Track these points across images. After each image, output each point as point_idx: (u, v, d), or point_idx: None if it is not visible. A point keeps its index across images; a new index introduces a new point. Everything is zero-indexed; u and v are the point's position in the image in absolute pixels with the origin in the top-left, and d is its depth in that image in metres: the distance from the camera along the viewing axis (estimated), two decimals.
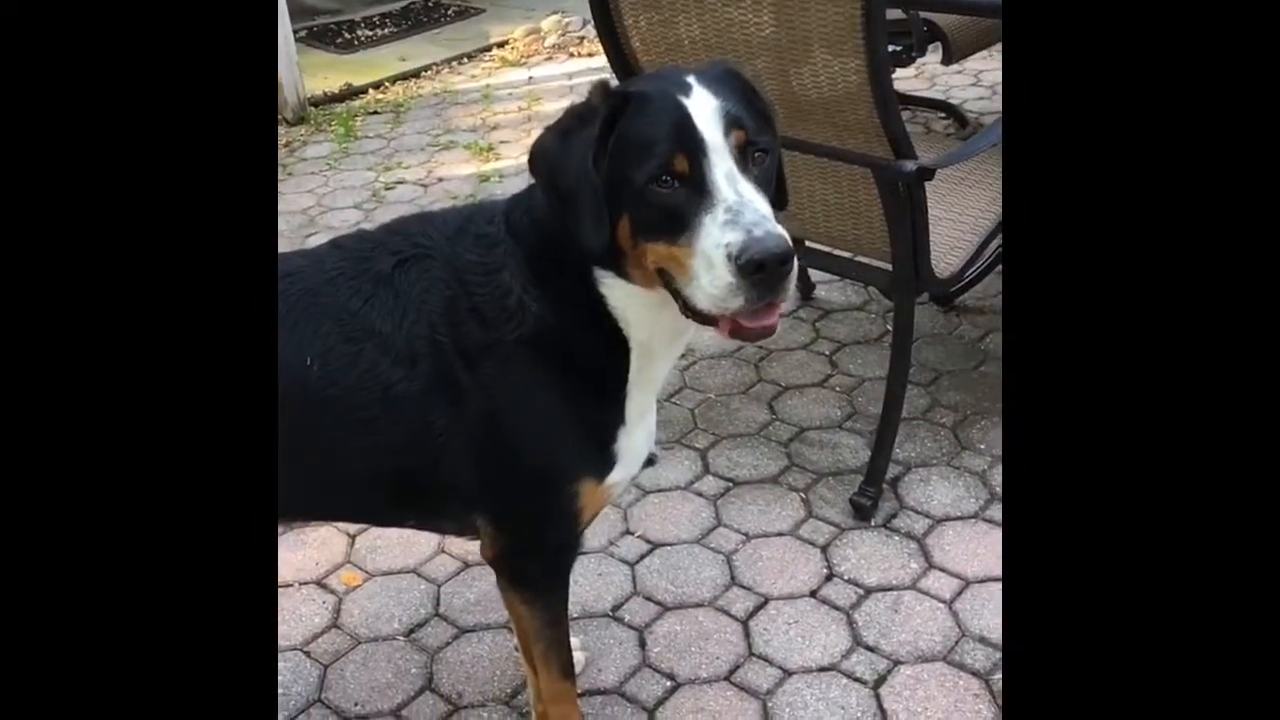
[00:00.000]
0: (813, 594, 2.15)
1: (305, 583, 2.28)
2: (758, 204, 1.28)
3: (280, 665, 2.07)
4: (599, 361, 1.50)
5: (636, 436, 1.58)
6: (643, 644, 2.06)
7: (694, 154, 1.29)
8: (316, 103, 5.43)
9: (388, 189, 4.40)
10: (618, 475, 1.58)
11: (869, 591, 2.15)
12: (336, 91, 5.57)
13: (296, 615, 2.19)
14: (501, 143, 4.76)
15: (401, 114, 5.30)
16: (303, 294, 1.50)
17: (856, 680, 1.94)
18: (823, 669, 1.97)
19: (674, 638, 2.07)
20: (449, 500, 1.59)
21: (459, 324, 1.46)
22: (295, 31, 5.48)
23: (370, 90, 5.61)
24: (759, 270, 1.24)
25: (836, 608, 2.11)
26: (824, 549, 2.27)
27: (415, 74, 5.81)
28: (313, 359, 1.46)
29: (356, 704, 1.97)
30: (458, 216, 1.56)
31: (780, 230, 1.26)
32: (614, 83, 1.46)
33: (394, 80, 5.72)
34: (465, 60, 6.06)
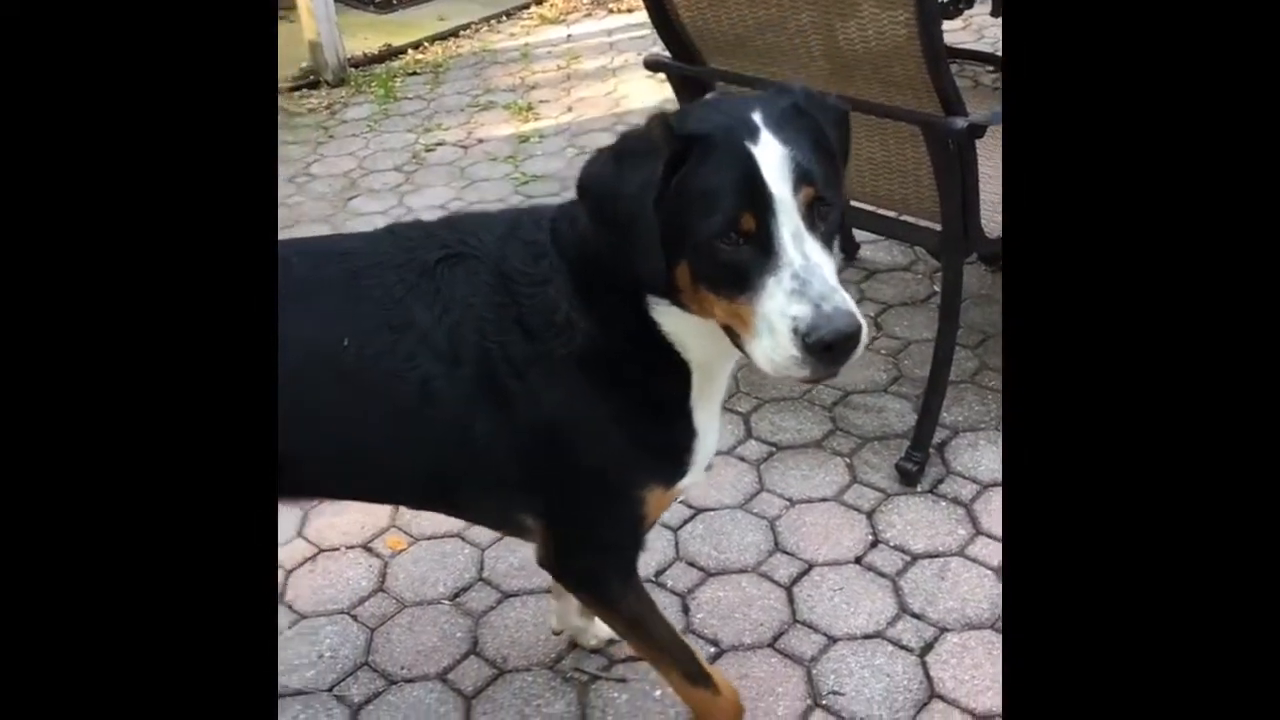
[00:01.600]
0: (858, 560, 2.13)
1: (351, 547, 2.30)
2: (825, 270, 1.23)
3: (328, 629, 2.09)
4: (656, 380, 1.46)
5: (707, 442, 1.54)
6: (686, 610, 2.06)
7: (762, 212, 1.23)
8: (356, 64, 5.41)
9: (428, 150, 4.38)
10: (687, 481, 1.55)
11: (915, 558, 2.13)
12: (376, 52, 5.55)
13: (343, 579, 2.21)
14: (541, 102, 4.71)
15: (441, 74, 5.27)
16: (349, 274, 1.47)
17: (903, 648, 1.93)
18: (868, 636, 1.96)
19: (717, 604, 2.06)
20: (483, 499, 1.58)
21: (506, 331, 1.42)
22: None
23: (409, 50, 5.59)
24: (827, 350, 1.20)
25: (882, 574, 2.09)
26: (869, 515, 2.24)
27: (454, 33, 5.77)
28: (350, 340, 1.44)
29: (403, 667, 1.99)
30: (507, 220, 1.51)
31: (850, 305, 1.21)
32: (670, 108, 1.45)
33: (433, 40, 5.69)
34: (504, 18, 6.01)
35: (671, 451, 1.50)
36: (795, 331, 1.20)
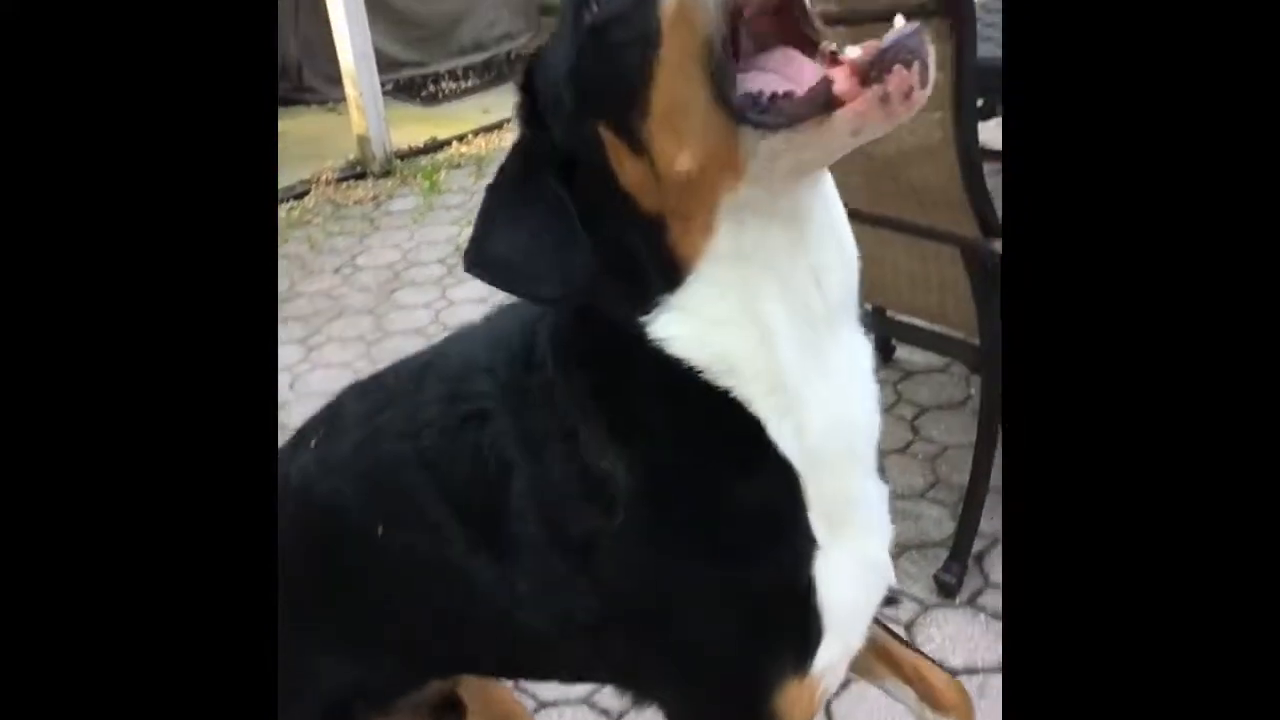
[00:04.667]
0: None
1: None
2: None
3: None
4: (725, 481, 1.02)
5: (842, 566, 1.06)
6: None
7: None
8: (402, 156, 5.57)
9: None
10: (831, 652, 1.08)
11: (954, 673, 2.10)
12: (421, 145, 5.71)
13: None
14: None
15: (484, 167, 5.41)
16: (371, 438, 1.23)
17: None
18: None
19: None
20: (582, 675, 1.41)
21: (551, 514, 1.09)
22: (382, 85, 5.64)
23: (454, 143, 5.75)
24: None
25: None
26: (907, 626, 2.23)
27: (498, 126, 5.93)
28: (383, 525, 1.21)
29: None
30: (506, 354, 1.16)
31: None
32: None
33: (477, 133, 5.85)
34: None
35: (778, 598, 1.05)
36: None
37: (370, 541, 1.22)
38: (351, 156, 5.48)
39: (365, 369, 3.57)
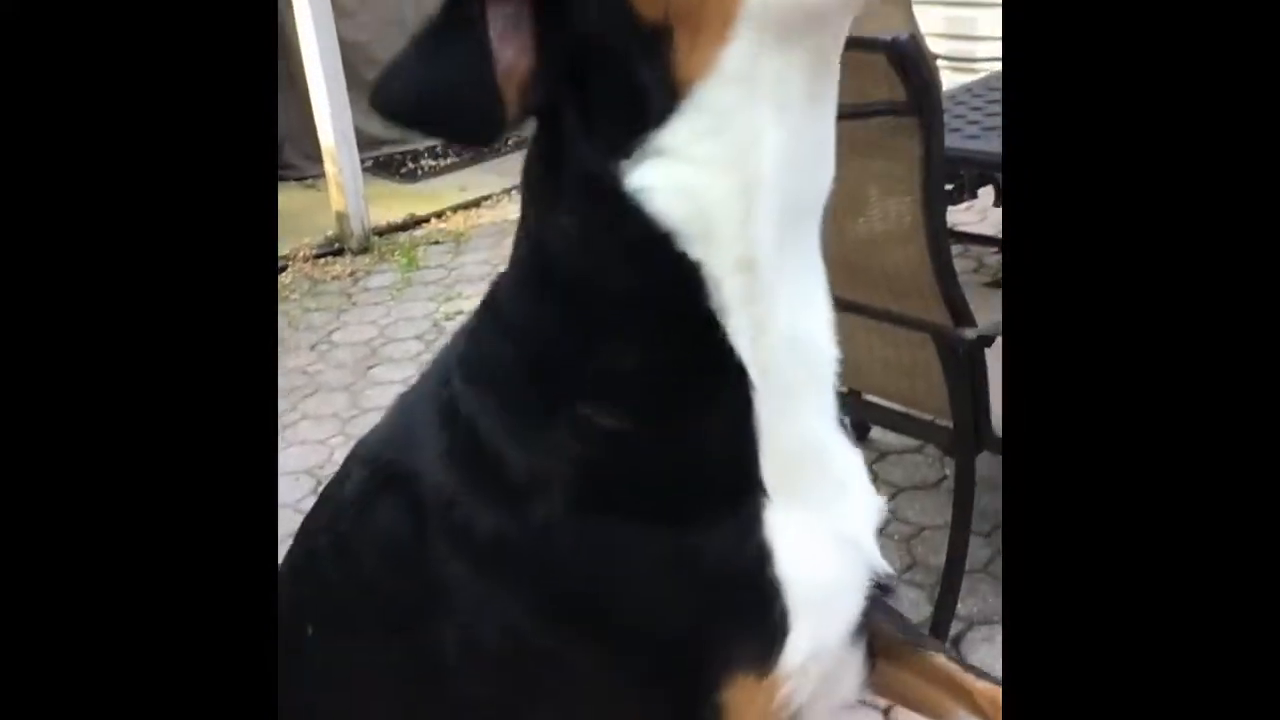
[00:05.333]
0: None
1: None
2: None
3: None
4: (680, 400, 0.88)
5: (805, 534, 0.90)
6: None
7: None
8: (380, 232, 5.61)
9: (448, 319, 4.50)
10: (799, 647, 0.89)
11: None
12: (400, 222, 5.76)
13: None
14: None
15: (462, 243, 5.46)
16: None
17: None
18: None
19: None
20: None
21: (461, 530, 0.94)
22: (362, 162, 5.70)
23: (432, 219, 5.80)
24: None
25: None
26: (885, 712, 2.22)
27: (475, 203, 6.00)
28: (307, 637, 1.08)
29: None
30: (421, 408, 1.04)
31: None
32: None
33: (455, 210, 5.91)
34: None
35: (734, 579, 0.88)
36: None
37: (305, 657, 1.09)
38: (330, 233, 5.51)
39: (341, 446, 3.56)
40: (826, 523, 0.93)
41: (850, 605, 0.97)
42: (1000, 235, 4.37)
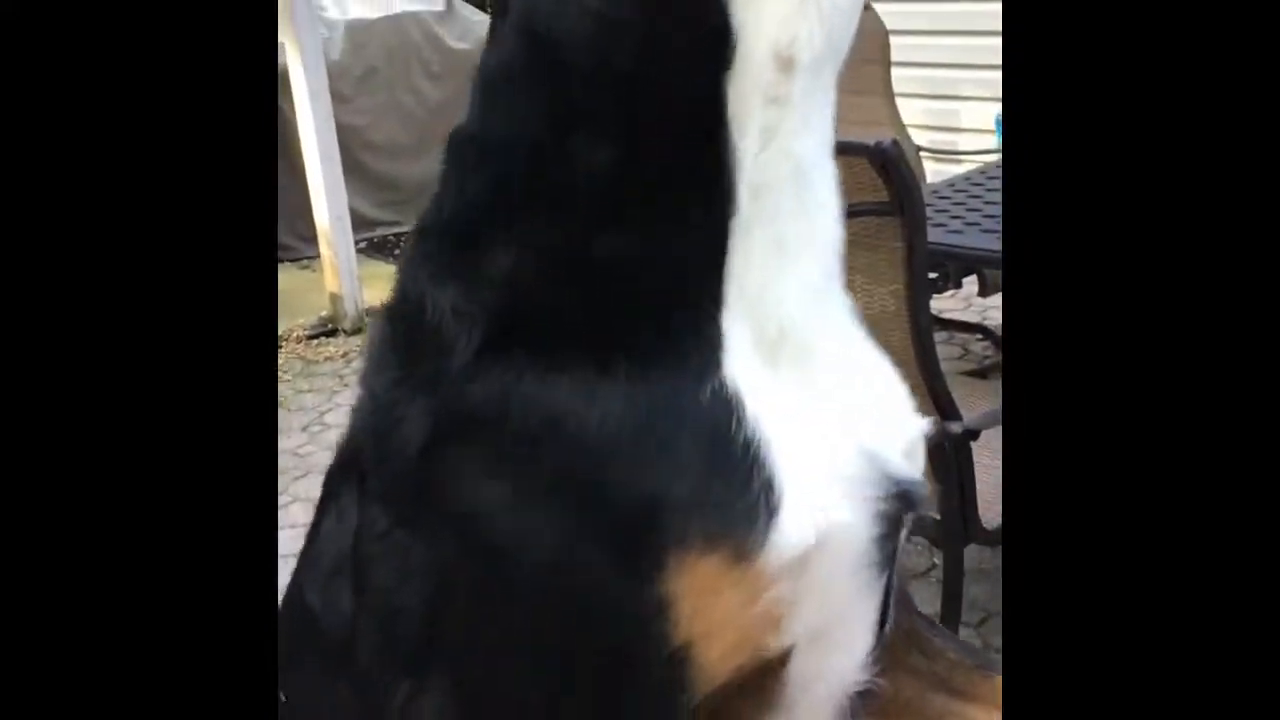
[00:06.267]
0: None
1: None
2: None
3: None
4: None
5: (790, 403, 0.75)
6: None
7: None
8: (374, 314, 5.66)
9: None
10: (791, 540, 0.70)
11: None
12: None
13: None
14: None
15: None
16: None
17: None
18: None
19: None
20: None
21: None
22: (356, 244, 5.78)
23: None
24: None
25: None
26: None
27: None
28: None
29: None
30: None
31: None
32: None
33: None
34: None
35: (705, 435, 0.72)
36: None
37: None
38: (324, 314, 5.56)
39: None
40: (823, 409, 0.77)
41: (859, 517, 0.76)
42: (983, 323, 4.45)
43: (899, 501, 0.79)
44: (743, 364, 0.75)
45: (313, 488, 4.07)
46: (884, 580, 0.82)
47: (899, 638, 0.91)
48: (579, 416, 0.71)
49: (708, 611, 0.68)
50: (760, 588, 0.69)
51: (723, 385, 0.73)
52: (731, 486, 0.70)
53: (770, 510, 0.70)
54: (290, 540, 3.66)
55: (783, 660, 0.75)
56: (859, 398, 0.80)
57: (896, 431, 0.82)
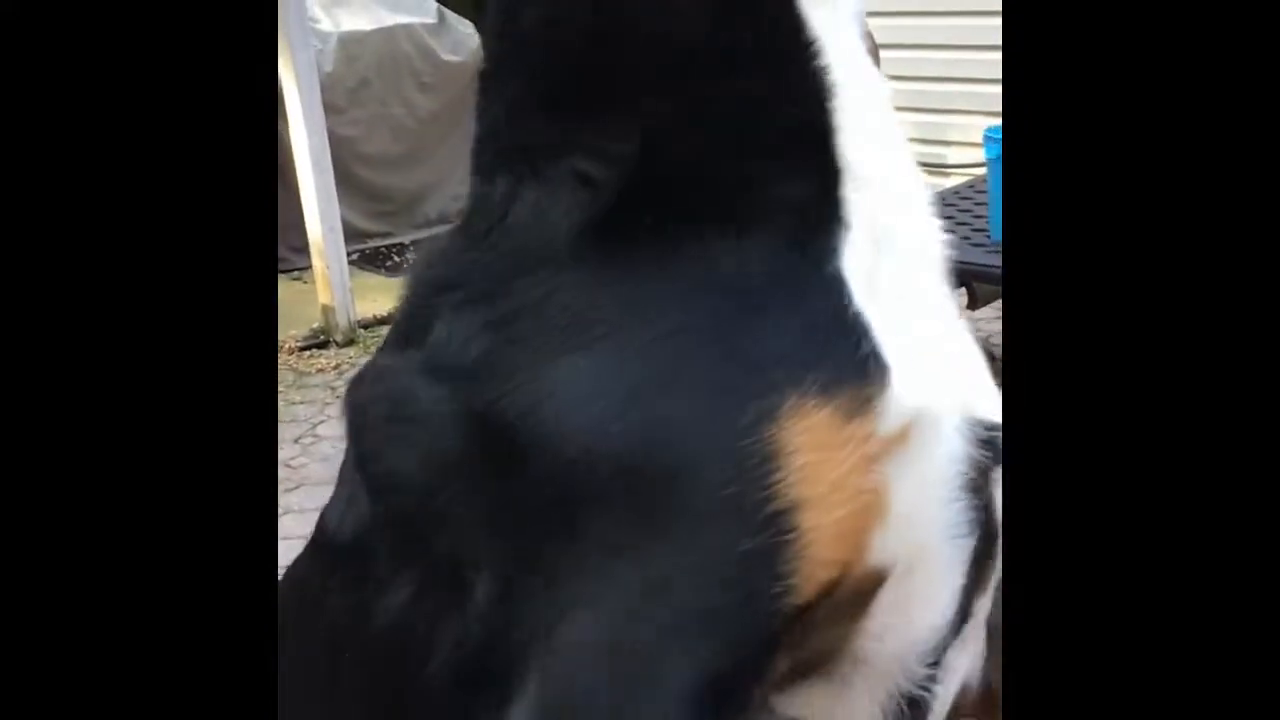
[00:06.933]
0: None
1: None
2: None
3: None
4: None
5: (903, 323, 0.75)
6: None
7: None
8: (366, 325, 5.67)
9: None
10: (903, 404, 0.70)
11: None
12: (385, 314, 5.81)
13: None
14: None
15: None
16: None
17: None
18: None
19: None
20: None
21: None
22: (348, 255, 5.79)
23: None
24: None
25: None
26: None
27: None
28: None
29: None
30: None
31: None
32: None
33: None
34: None
35: (816, 304, 0.72)
36: None
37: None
38: (316, 325, 5.57)
39: None
40: (919, 337, 0.76)
41: (955, 428, 0.74)
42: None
43: (987, 449, 0.76)
44: (853, 251, 0.76)
45: (305, 499, 4.10)
46: (970, 546, 0.77)
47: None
48: (687, 287, 0.71)
49: (819, 470, 0.65)
50: (870, 454, 0.67)
51: (838, 274, 0.74)
52: (845, 348, 0.70)
53: (882, 372, 0.70)
54: (282, 552, 3.66)
55: (873, 589, 0.70)
56: (957, 334, 0.84)
57: (985, 377, 0.82)
